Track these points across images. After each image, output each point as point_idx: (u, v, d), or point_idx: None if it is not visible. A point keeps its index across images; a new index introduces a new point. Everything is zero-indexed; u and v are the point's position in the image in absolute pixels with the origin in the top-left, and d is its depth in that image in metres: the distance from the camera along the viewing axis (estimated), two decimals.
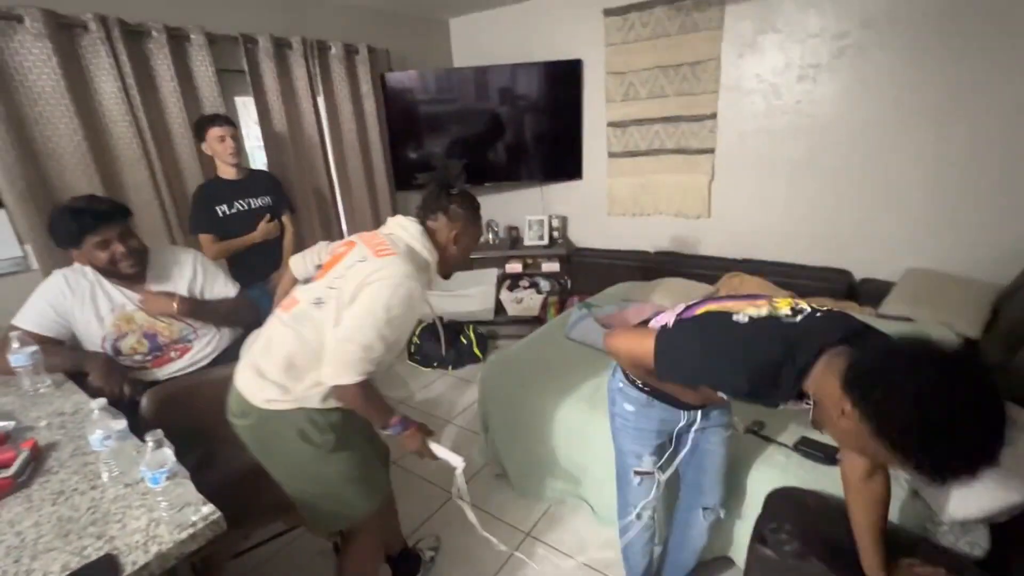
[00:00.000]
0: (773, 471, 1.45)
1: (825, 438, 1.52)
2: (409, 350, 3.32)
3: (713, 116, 2.85)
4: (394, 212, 3.38)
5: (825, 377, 0.83)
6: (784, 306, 0.97)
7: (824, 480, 1.36)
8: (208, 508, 0.91)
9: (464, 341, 3.23)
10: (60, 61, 1.91)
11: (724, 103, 2.81)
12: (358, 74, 3.04)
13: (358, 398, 1.17)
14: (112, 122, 2.12)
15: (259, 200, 2.30)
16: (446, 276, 1.39)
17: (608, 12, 2.98)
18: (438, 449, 1.33)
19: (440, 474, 2.20)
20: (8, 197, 1.88)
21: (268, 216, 2.30)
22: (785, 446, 1.52)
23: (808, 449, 1.47)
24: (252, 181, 2.32)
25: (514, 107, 3.37)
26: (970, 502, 1.17)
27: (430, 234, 1.29)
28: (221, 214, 2.20)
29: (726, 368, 0.93)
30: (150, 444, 0.89)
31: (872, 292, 2.50)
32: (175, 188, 2.32)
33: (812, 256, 2.78)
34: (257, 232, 2.26)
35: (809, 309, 0.95)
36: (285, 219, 2.42)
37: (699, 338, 1.00)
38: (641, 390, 1.23)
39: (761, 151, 2.78)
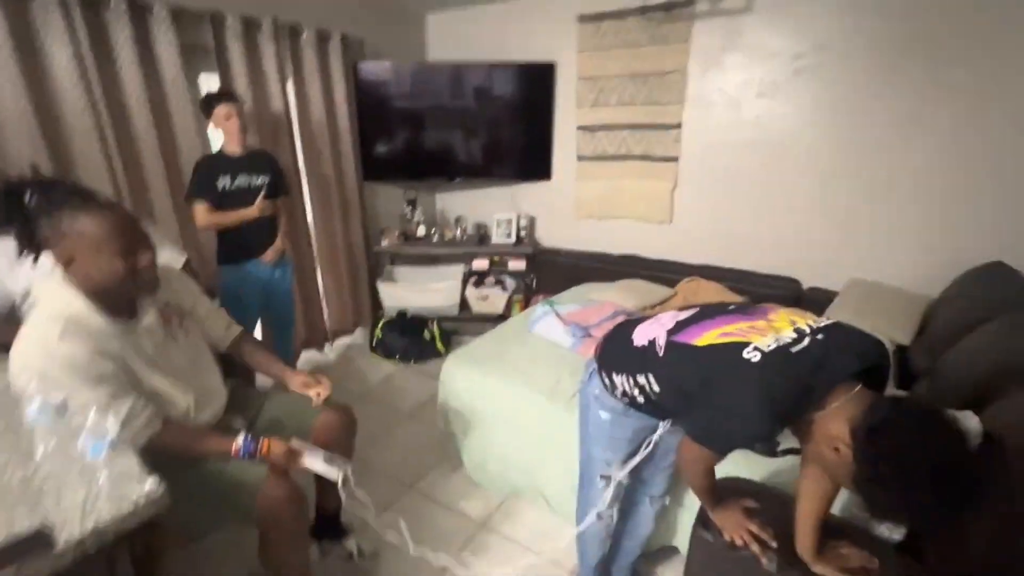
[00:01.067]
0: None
1: None
2: (371, 343, 3.28)
3: (678, 126, 2.96)
4: (361, 201, 3.36)
5: (835, 417, 0.87)
6: (786, 328, 0.97)
7: (766, 469, 1.44)
8: (151, 484, 0.89)
9: (427, 336, 3.22)
10: (7, 23, 1.81)
11: (689, 114, 2.92)
12: (330, 61, 2.99)
13: (168, 450, 1.13)
14: (63, 90, 2.00)
15: (259, 178, 2.30)
16: (126, 302, 1.16)
17: (582, 19, 3.05)
18: (311, 463, 1.26)
19: (404, 470, 2.19)
20: None
21: (264, 194, 2.29)
22: None
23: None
24: (254, 159, 2.32)
25: (486, 105, 3.39)
26: None
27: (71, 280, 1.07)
28: (221, 187, 2.20)
29: (754, 420, 0.92)
30: (93, 411, 0.86)
31: (817, 300, 2.64)
32: (128, 162, 2.22)
33: (765, 264, 2.92)
34: (254, 208, 2.25)
35: (808, 329, 0.96)
36: (279, 200, 2.43)
37: (721, 400, 0.98)
38: (619, 399, 1.22)
39: (722, 162, 2.90)
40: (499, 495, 2.04)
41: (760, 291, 2.78)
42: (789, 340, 0.94)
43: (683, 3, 2.73)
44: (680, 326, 1.11)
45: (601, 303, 2.62)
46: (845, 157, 2.57)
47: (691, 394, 1.06)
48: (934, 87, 2.29)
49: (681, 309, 1.20)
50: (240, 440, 1.20)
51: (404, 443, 2.37)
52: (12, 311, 1.47)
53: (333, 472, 1.26)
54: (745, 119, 2.77)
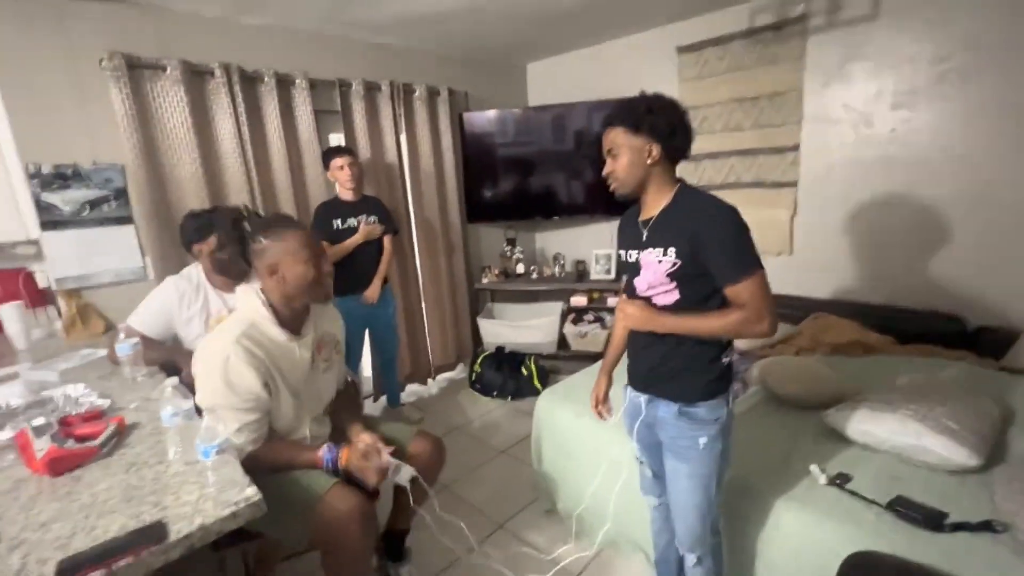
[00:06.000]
0: (859, 531, 1.25)
1: (926, 498, 1.30)
2: (470, 378, 3.34)
3: (795, 148, 2.70)
4: (465, 241, 3.52)
5: None
6: None
7: (922, 547, 1.15)
8: (251, 490, 0.95)
9: (525, 372, 3.20)
10: (190, 101, 2.25)
11: (808, 134, 2.66)
12: (438, 113, 3.25)
13: (259, 461, 1.22)
14: (225, 154, 2.42)
15: (368, 219, 2.59)
16: (299, 320, 1.37)
17: (682, 49, 2.99)
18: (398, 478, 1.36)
19: (494, 507, 2.14)
20: (136, 213, 2.19)
21: (366, 219, 2.56)
22: (876, 504, 1.31)
23: (904, 509, 1.26)
24: (365, 203, 2.62)
25: (585, 144, 3.41)
26: None
27: (264, 291, 1.32)
28: (335, 227, 2.51)
29: None
30: (206, 419, 0.95)
31: (993, 341, 2.17)
32: (269, 210, 2.57)
33: (913, 299, 2.47)
34: (359, 234, 2.52)
35: None
36: (386, 240, 2.67)
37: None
38: None
39: (851, 183, 2.58)
40: (595, 544, 1.88)
41: (910, 330, 2.36)
42: None
43: (794, 20, 2.56)
44: None
45: None
46: (1010, 166, 2.14)
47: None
48: None
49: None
50: (324, 449, 1.26)
51: (496, 480, 2.32)
52: (175, 339, 1.74)
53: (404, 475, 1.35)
54: (878, 134, 2.45)
